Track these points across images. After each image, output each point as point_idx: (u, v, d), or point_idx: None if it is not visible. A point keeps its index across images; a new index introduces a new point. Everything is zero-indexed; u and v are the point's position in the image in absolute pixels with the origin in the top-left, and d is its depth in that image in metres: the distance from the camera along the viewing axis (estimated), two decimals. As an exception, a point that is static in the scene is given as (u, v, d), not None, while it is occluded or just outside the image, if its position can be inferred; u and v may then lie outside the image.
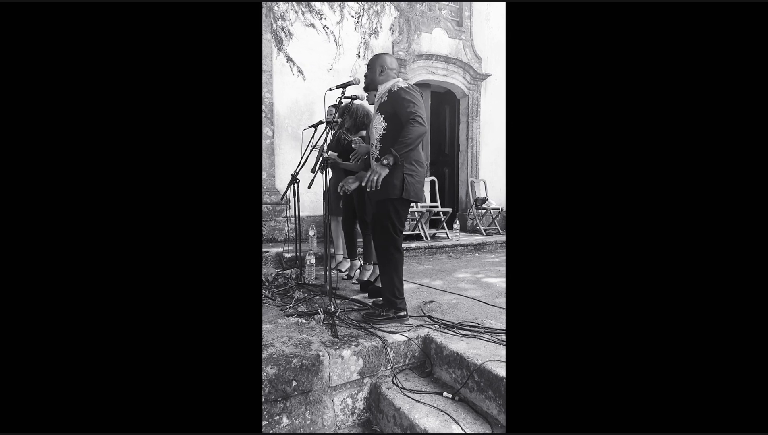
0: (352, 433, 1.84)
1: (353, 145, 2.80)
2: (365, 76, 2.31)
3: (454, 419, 1.54)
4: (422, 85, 6.00)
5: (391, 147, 2.02)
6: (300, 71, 3.32)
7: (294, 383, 1.69)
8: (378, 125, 2.18)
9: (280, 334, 2.02)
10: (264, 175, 4.71)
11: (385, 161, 1.98)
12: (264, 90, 4.59)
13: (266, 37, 4.11)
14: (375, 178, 1.97)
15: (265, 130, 4.67)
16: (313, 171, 2.48)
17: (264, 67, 4.55)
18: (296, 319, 2.27)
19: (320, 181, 3.06)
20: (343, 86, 2.37)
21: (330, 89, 2.47)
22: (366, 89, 2.33)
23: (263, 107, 4.60)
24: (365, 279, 2.99)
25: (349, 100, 2.63)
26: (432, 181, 5.82)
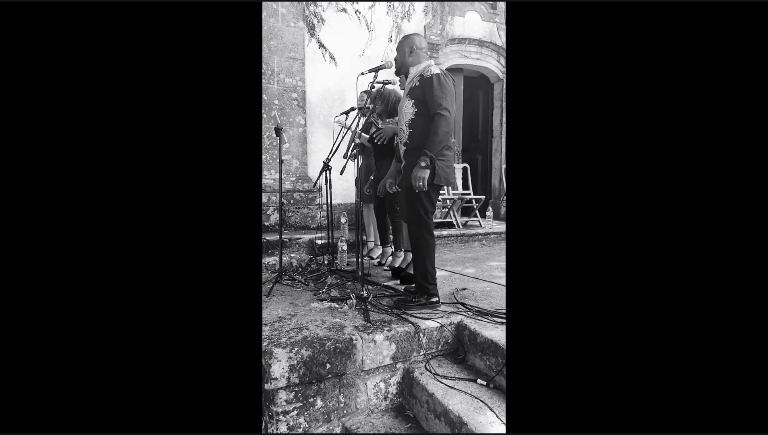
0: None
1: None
2: (395, 60, 2.27)
3: (488, 406, 1.52)
4: (455, 70, 5.86)
5: (419, 134, 2.09)
6: (332, 57, 3.31)
7: (328, 366, 1.71)
8: (408, 109, 2.16)
9: (314, 317, 2.05)
10: (297, 164, 4.76)
11: (423, 163, 2.00)
12: (296, 78, 4.61)
13: (299, 25, 4.12)
14: (420, 182, 2.02)
15: (298, 119, 4.71)
16: (345, 156, 2.47)
17: (297, 56, 4.57)
18: (329, 303, 2.29)
19: (352, 169, 3.06)
20: (375, 70, 2.34)
21: (362, 73, 2.45)
22: (397, 73, 2.29)
23: (296, 96, 4.64)
24: (396, 265, 2.98)
25: (381, 84, 2.60)
26: (464, 169, 5.72)
